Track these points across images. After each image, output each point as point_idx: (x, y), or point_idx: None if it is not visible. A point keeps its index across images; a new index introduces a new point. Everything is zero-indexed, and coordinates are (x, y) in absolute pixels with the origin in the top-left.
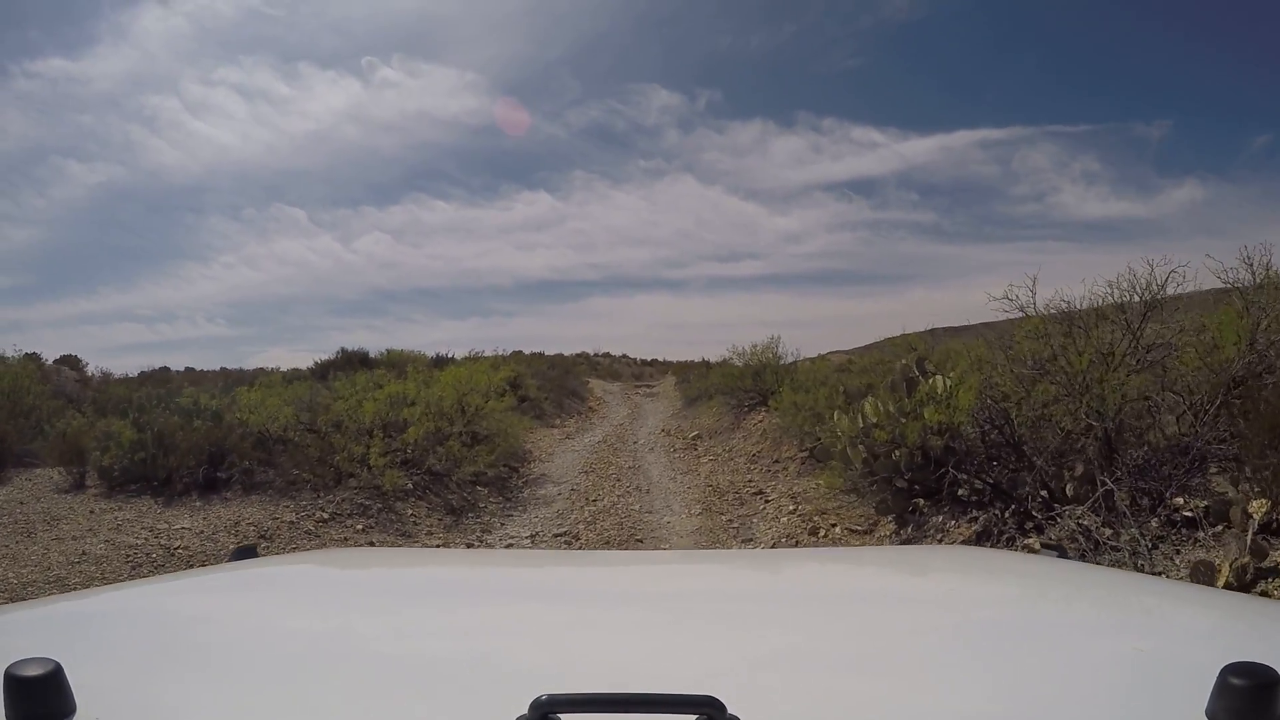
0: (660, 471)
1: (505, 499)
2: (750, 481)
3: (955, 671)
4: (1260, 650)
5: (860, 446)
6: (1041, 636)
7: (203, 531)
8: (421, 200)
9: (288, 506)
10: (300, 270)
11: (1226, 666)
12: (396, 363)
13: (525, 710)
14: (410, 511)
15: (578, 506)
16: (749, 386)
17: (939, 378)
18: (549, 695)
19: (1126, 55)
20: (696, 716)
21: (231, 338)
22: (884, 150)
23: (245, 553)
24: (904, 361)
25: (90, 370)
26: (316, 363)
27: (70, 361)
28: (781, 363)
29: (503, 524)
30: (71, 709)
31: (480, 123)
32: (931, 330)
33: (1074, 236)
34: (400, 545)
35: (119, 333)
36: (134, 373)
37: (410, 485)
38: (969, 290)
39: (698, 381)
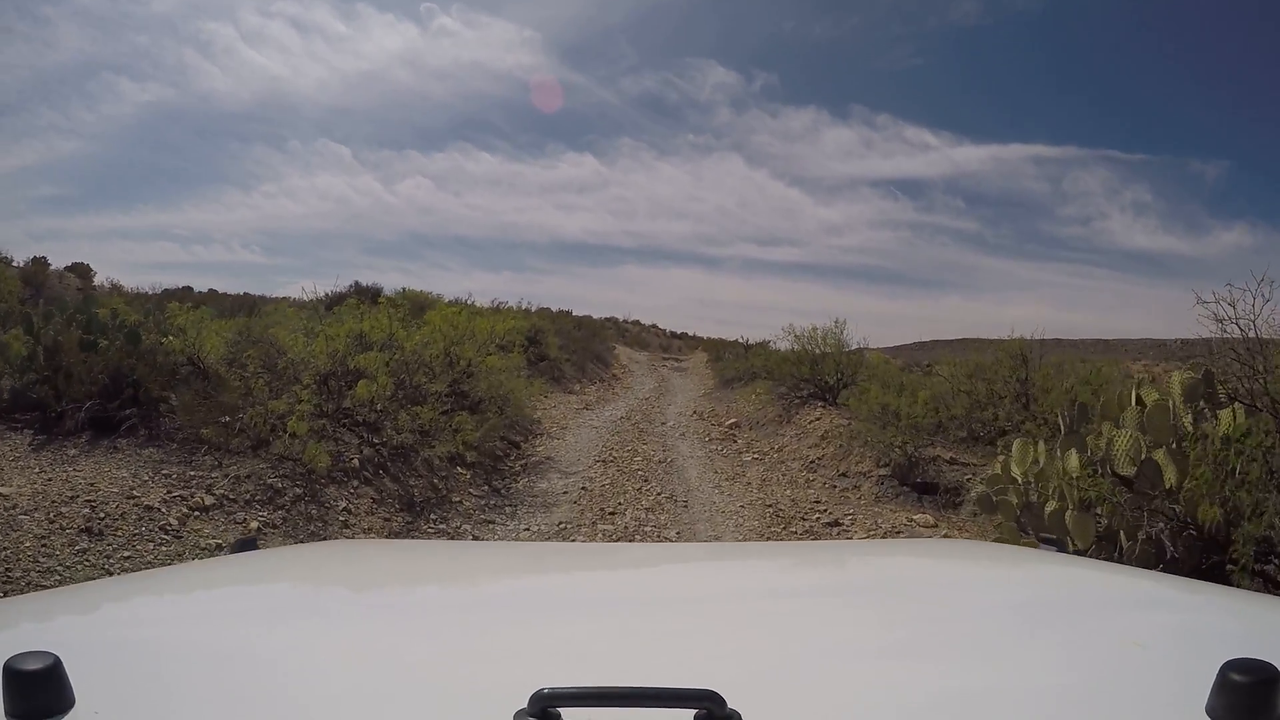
0: (699, 473)
1: (492, 490)
2: (818, 503)
3: (954, 666)
4: (1261, 647)
5: (1088, 510)
6: (1041, 632)
7: (15, 506)
8: (467, 150)
9: (169, 476)
10: (339, 206)
11: (1227, 663)
12: (412, 303)
13: (525, 704)
14: (345, 503)
15: (589, 520)
16: (804, 375)
17: (1236, 408)
18: (549, 689)
19: (1190, 91)
20: (696, 710)
21: (265, 266)
22: (935, 153)
23: (246, 545)
24: (1186, 373)
25: (99, 281)
26: (327, 294)
27: (80, 270)
28: (845, 352)
29: (476, 536)
30: (70, 703)
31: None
32: (963, 340)
33: (1116, 265)
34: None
35: (155, 251)
36: (156, 289)
37: (356, 462)
38: (1004, 305)
39: (735, 362)
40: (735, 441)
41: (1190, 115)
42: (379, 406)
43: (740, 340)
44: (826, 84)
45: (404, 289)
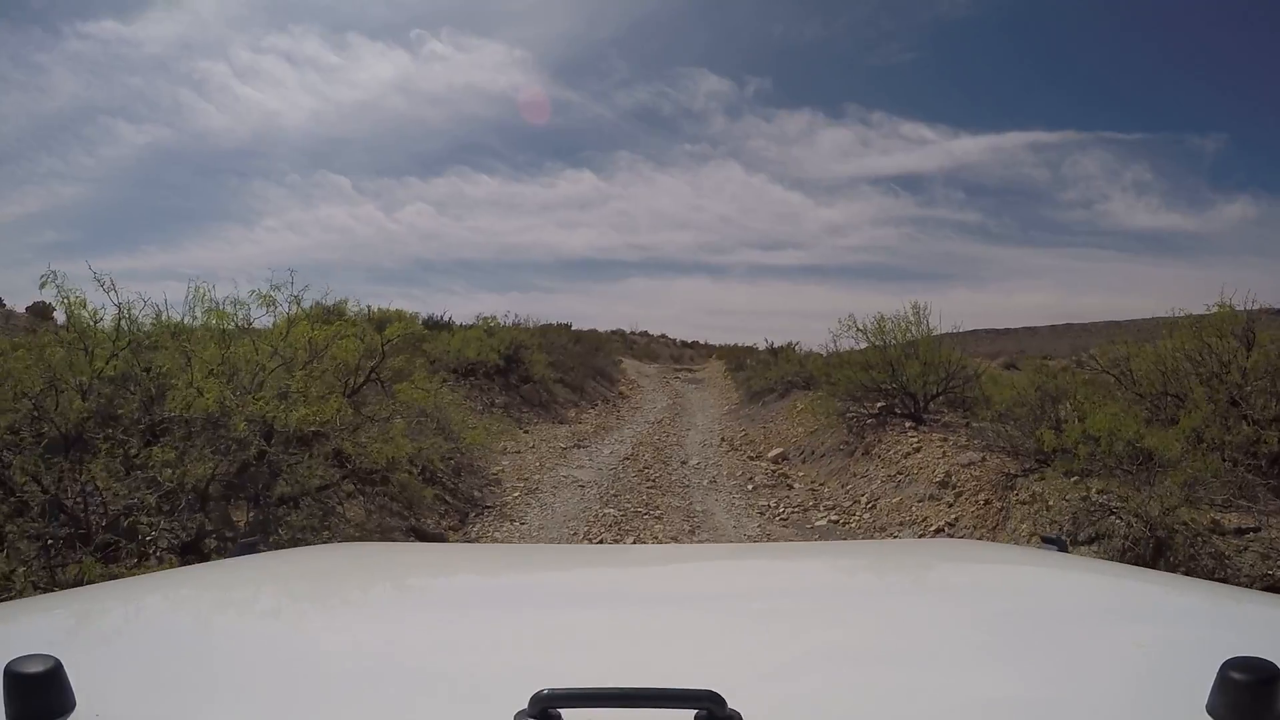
0: None
1: None
2: None
3: (955, 667)
4: (1261, 645)
5: None
6: (1042, 632)
7: None
8: (465, 174)
9: None
10: (343, 237)
11: (1227, 662)
12: (383, 325)
13: (526, 705)
14: None
15: None
16: (880, 384)
17: None
18: (550, 690)
19: (1183, 66)
20: (696, 711)
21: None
22: (933, 147)
23: (246, 549)
24: None
25: (59, 319)
26: (284, 319)
27: (38, 309)
28: (933, 337)
29: None
30: (71, 705)
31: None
32: (974, 332)
33: (1121, 246)
34: None
35: (162, 291)
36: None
37: None
38: (1012, 294)
39: (764, 371)
40: (791, 486)
41: (1184, 90)
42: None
43: (765, 345)
44: (819, 85)
45: (370, 307)
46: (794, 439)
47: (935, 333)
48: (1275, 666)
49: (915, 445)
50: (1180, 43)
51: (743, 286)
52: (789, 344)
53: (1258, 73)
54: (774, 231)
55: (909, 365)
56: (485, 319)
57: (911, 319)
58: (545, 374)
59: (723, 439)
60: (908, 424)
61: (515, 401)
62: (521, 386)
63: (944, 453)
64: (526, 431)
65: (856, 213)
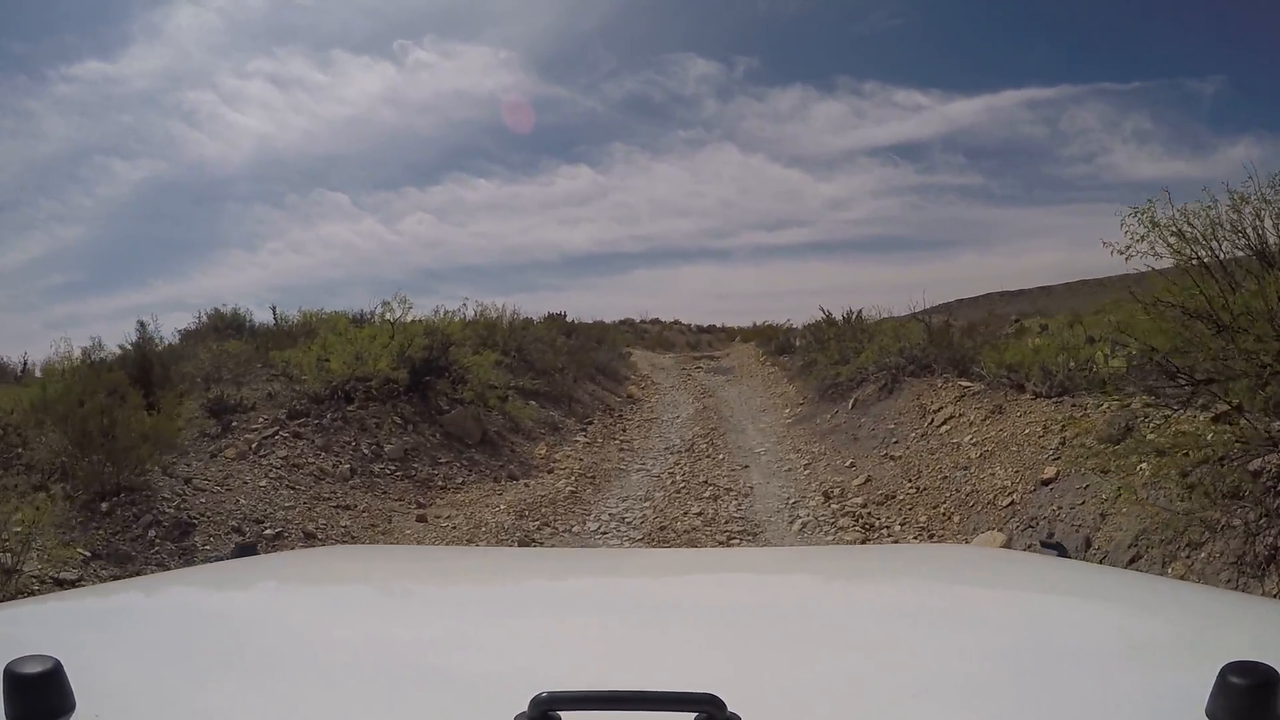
0: None
1: None
2: None
3: (954, 670)
4: (1260, 649)
5: None
6: (1041, 635)
7: None
8: (462, 179)
9: None
10: (346, 253)
11: (1226, 665)
12: (309, 329)
13: (525, 707)
14: None
15: None
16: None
17: None
18: (549, 692)
19: (1175, 9)
20: (696, 714)
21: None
22: (928, 113)
23: (245, 551)
24: None
25: None
26: (177, 332)
27: None
28: None
29: None
30: (71, 706)
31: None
32: (987, 295)
33: (1126, 198)
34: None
35: (173, 321)
36: (66, 357)
37: None
38: (1020, 255)
39: (835, 352)
40: None
41: (1178, 34)
42: None
43: (825, 317)
44: (808, 59)
45: (281, 310)
46: (996, 491)
47: None
48: (1274, 670)
49: None
50: None
51: (749, 269)
52: (850, 312)
53: (1252, 11)
54: (776, 211)
55: None
56: (389, 303)
57: None
58: (501, 384)
59: (825, 494)
60: None
61: (429, 443)
62: (445, 414)
63: None
64: (422, 517)
65: (857, 185)
